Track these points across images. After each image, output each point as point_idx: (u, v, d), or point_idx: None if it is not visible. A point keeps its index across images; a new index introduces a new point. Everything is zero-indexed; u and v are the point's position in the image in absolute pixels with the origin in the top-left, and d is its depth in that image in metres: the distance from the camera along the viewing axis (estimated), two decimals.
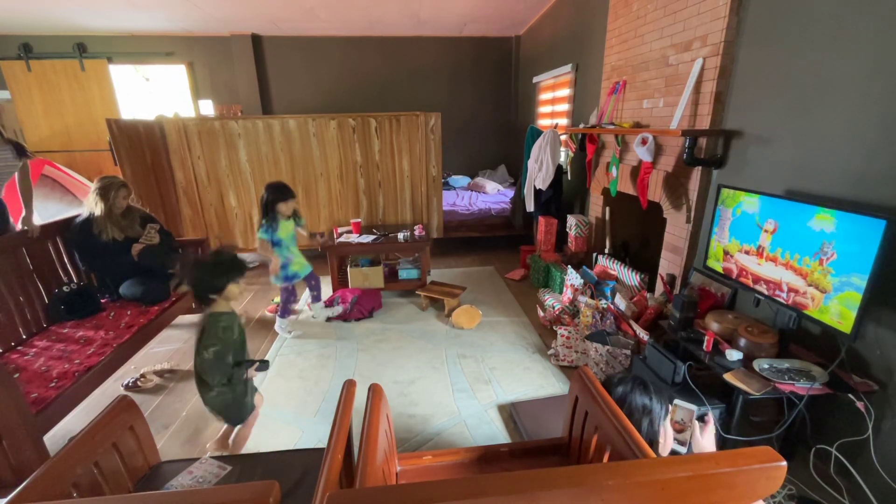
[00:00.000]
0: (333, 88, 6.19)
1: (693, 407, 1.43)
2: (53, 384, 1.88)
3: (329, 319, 3.20)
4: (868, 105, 1.55)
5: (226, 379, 1.70)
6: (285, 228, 2.79)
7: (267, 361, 1.84)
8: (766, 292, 1.83)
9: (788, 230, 1.71)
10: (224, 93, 6.04)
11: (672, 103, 2.49)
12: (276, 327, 3.04)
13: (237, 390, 1.76)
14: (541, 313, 3.13)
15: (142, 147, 3.80)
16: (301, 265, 2.96)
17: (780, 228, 1.75)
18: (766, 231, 1.80)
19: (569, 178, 4.25)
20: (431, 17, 5.20)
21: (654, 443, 1.29)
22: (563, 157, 4.15)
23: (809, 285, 1.63)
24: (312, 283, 3.12)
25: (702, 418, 1.46)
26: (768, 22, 1.94)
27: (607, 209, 3.41)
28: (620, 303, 2.70)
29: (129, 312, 2.55)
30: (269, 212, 2.71)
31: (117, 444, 1.30)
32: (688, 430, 1.42)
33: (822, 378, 1.58)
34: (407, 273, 3.69)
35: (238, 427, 1.85)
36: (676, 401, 1.46)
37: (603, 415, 1.23)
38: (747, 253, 1.92)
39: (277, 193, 2.71)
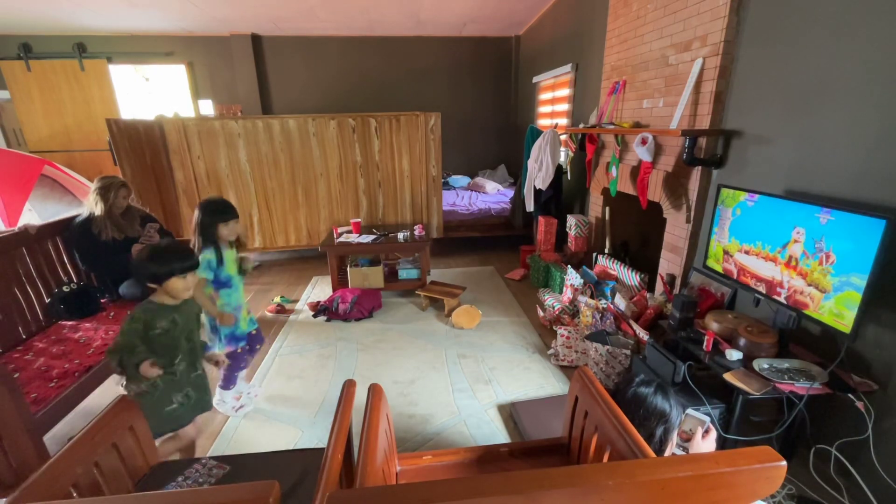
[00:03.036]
0: (333, 88, 6.19)
1: (705, 417, 1.43)
2: (53, 384, 1.88)
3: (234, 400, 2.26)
4: (868, 105, 1.55)
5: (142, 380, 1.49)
6: (230, 261, 2.09)
7: (172, 368, 1.58)
8: (765, 292, 1.83)
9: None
10: (224, 93, 6.04)
11: (672, 103, 2.49)
12: (217, 403, 2.20)
13: (156, 395, 1.55)
14: (541, 313, 3.13)
15: (141, 147, 3.80)
16: (245, 318, 2.21)
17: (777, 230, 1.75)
18: (796, 241, 1.69)
19: (569, 177, 4.25)
20: (431, 17, 5.20)
21: (660, 450, 1.27)
22: (563, 157, 4.15)
23: (809, 285, 1.63)
24: (257, 347, 2.34)
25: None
26: (768, 22, 1.94)
27: (607, 209, 3.41)
28: (620, 303, 2.70)
29: (128, 312, 2.54)
30: (207, 239, 1.98)
31: (117, 444, 1.30)
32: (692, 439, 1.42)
33: (821, 378, 1.58)
34: (407, 273, 3.69)
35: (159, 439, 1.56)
36: (689, 410, 1.46)
37: (603, 415, 1.23)
38: (747, 253, 1.92)
39: (216, 214, 1.99)
